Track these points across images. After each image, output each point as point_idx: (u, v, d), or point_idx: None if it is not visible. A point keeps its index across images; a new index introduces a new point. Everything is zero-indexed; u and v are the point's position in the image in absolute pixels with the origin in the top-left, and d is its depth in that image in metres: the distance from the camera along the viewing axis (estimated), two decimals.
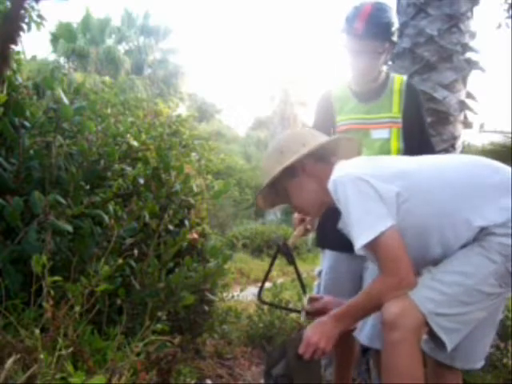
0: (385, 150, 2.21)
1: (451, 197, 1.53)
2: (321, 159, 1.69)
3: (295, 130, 1.88)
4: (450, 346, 1.51)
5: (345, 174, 1.56)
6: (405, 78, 2.29)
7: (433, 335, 1.52)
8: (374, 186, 1.51)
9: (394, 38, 2.20)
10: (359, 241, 1.49)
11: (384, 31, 2.15)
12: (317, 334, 1.58)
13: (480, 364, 1.70)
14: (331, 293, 2.13)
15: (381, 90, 2.24)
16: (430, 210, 1.54)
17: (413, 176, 1.58)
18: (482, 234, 1.49)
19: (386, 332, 1.48)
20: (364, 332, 1.92)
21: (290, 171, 1.67)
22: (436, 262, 1.56)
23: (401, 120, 2.20)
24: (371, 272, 1.94)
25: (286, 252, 1.95)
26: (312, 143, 1.68)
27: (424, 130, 2.29)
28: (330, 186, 1.58)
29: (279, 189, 1.75)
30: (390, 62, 3.00)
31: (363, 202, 1.51)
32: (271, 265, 2.03)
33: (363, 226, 1.50)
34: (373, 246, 1.48)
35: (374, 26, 2.13)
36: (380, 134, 2.23)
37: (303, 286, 1.98)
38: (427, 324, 1.49)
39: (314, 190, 1.70)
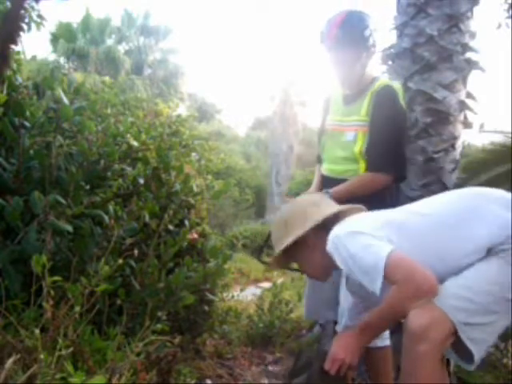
0: (352, 152, 2.28)
1: (449, 234, 1.55)
2: (323, 229, 1.72)
3: (300, 200, 1.90)
4: (477, 356, 1.49)
5: (336, 234, 1.62)
6: (386, 83, 2.29)
7: (458, 346, 1.49)
8: (366, 233, 1.56)
9: (371, 44, 2.23)
10: (377, 281, 1.49)
11: (357, 38, 2.21)
12: (342, 350, 1.59)
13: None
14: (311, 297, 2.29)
15: (362, 93, 2.28)
16: (426, 251, 1.55)
17: (402, 224, 1.61)
18: (493, 251, 1.50)
19: (414, 342, 1.45)
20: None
21: (295, 244, 1.74)
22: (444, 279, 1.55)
23: (367, 124, 2.24)
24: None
25: None
26: (314, 216, 1.72)
27: (376, 143, 2.23)
28: (329, 247, 1.64)
29: (288, 256, 1.83)
30: (389, 62, 3.00)
31: (360, 246, 1.54)
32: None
33: (371, 263, 1.50)
34: (385, 274, 1.48)
35: (345, 35, 2.20)
36: (349, 136, 2.32)
37: None
38: (455, 334, 1.46)
39: (319, 260, 1.76)
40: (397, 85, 2.36)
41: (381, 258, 1.48)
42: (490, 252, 1.50)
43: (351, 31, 2.19)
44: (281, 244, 1.76)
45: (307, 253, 1.77)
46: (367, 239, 1.54)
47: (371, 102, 2.24)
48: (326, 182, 2.45)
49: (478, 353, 1.49)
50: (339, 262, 1.63)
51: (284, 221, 1.79)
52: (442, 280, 1.52)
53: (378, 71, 2.45)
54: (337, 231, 1.64)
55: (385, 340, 2.04)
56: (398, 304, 1.49)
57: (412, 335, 1.45)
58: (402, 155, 2.36)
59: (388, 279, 1.49)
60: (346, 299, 1.97)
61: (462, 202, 1.63)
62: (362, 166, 2.30)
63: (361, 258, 1.53)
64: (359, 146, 2.25)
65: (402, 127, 2.36)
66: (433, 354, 1.44)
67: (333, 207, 1.79)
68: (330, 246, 1.64)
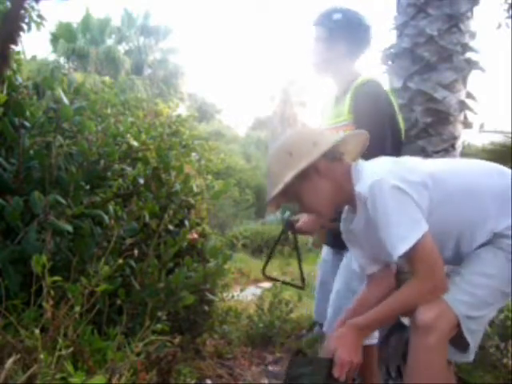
0: None
1: (473, 205, 1.56)
2: (333, 158, 1.62)
3: (301, 128, 1.85)
4: (474, 348, 1.51)
5: (381, 180, 1.50)
6: (367, 78, 2.24)
7: (454, 338, 1.51)
8: (410, 194, 1.49)
9: (362, 40, 2.28)
10: (397, 250, 1.47)
11: (324, 18, 2.28)
12: (346, 352, 1.53)
13: (472, 356, 1.68)
14: (321, 283, 2.37)
15: (346, 93, 2.25)
16: (452, 217, 1.57)
17: (440, 182, 1.57)
18: (495, 237, 1.52)
19: (422, 335, 1.46)
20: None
21: (303, 174, 1.58)
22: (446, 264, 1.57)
23: (351, 122, 2.18)
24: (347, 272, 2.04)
25: (291, 228, 2.23)
26: (323, 142, 1.59)
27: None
28: (364, 190, 1.53)
29: (289, 192, 1.63)
30: (389, 62, 3.00)
31: (400, 210, 1.48)
32: (277, 240, 2.42)
33: (401, 234, 1.47)
34: (410, 252, 1.46)
35: (319, 15, 2.31)
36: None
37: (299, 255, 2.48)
38: (458, 327, 1.48)
39: (329, 191, 1.63)
40: (379, 78, 2.32)
41: (411, 237, 1.45)
42: (495, 237, 1.52)
43: (324, 12, 2.29)
44: (284, 177, 1.57)
45: (316, 184, 1.61)
46: (409, 206, 1.48)
47: (352, 98, 2.19)
48: None
49: (475, 344, 1.52)
50: (370, 208, 1.52)
51: (287, 151, 1.60)
52: (446, 253, 1.55)
53: (371, 71, 2.42)
54: (379, 177, 1.51)
55: (373, 338, 2.05)
56: (412, 299, 1.50)
57: (419, 328, 1.47)
58: (385, 151, 2.25)
59: (409, 262, 1.50)
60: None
61: (489, 178, 1.62)
62: None
63: (395, 222, 1.47)
64: None
65: (384, 122, 2.20)
66: (440, 346, 1.46)
67: (337, 134, 1.70)
68: (368, 190, 1.51)
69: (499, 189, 1.57)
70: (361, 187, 1.55)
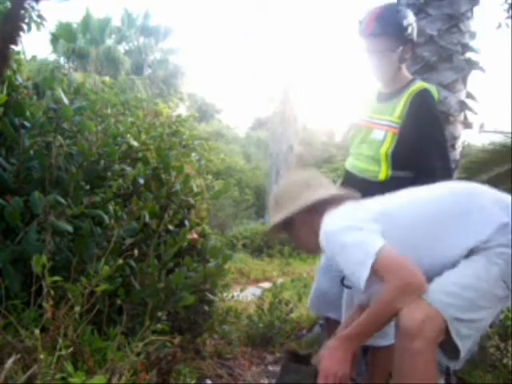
0: (378, 151, 2.23)
1: (434, 230, 1.57)
2: (313, 211, 1.76)
3: (294, 178, 1.92)
4: (463, 353, 1.49)
5: (328, 229, 1.64)
6: (424, 86, 2.24)
7: (443, 342, 1.50)
8: (356, 226, 1.58)
9: (409, 36, 2.21)
10: (361, 277, 1.50)
11: (393, 29, 2.18)
12: (333, 364, 1.54)
13: (459, 365, 1.69)
14: (320, 278, 2.33)
15: (397, 94, 2.24)
16: (414, 244, 1.58)
17: (393, 216, 1.64)
18: (475, 249, 1.52)
19: (408, 339, 1.45)
20: None
21: (285, 221, 1.80)
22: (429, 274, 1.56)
23: (399, 126, 2.20)
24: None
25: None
26: (303, 198, 1.77)
27: (429, 153, 2.16)
28: (322, 238, 1.67)
29: (281, 229, 1.89)
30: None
31: (350, 243, 1.55)
32: None
33: (358, 260, 1.52)
34: (373, 270, 1.49)
35: (381, 25, 2.18)
36: (377, 134, 2.25)
37: None
38: (446, 330, 1.47)
39: (307, 238, 1.82)
40: (433, 89, 2.29)
41: (370, 255, 1.48)
42: (472, 251, 1.52)
43: (388, 21, 2.18)
44: (272, 220, 1.86)
45: (297, 230, 1.84)
46: (358, 235, 1.55)
47: (407, 104, 2.19)
48: (348, 177, 2.41)
49: (464, 348, 1.50)
50: (330, 256, 1.67)
51: (275, 199, 1.89)
52: (426, 275, 1.53)
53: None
54: (329, 225, 1.65)
55: (390, 339, 2.03)
56: (388, 302, 1.49)
57: (406, 332, 1.45)
58: (447, 155, 2.27)
59: (376, 276, 1.50)
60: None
61: (453, 197, 1.64)
62: (384, 168, 2.23)
63: (351, 253, 1.54)
64: (386, 148, 2.19)
65: (443, 130, 2.31)
66: (426, 351, 1.44)
67: (324, 191, 1.80)
68: (321, 239, 1.66)
69: (457, 208, 1.58)
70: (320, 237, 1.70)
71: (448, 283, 1.51)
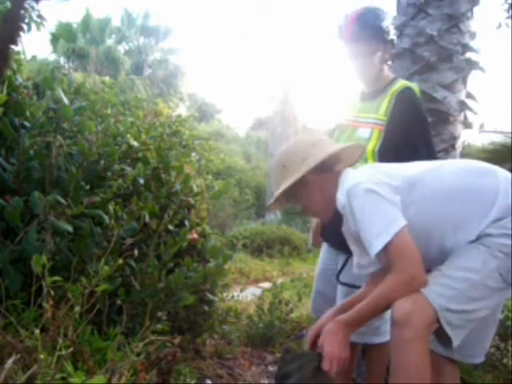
0: (365, 148, 2.25)
1: (452, 206, 1.58)
2: (323, 170, 1.72)
3: (298, 139, 1.88)
4: (456, 342, 1.52)
5: (356, 185, 1.61)
6: (407, 85, 2.26)
7: (438, 331, 1.53)
8: (382, 195, 1.56)
9: (389, 38, 2.22)
10: (374, 247, 1.53)
11: (372, 32, 2.20)
12: (335, 347, 1.58)
13: (479, 359, 1.72)
14: (319, 282, 2.35)
15: (381, 92, 2.26)
16: (430, 218, 1.59)
17: (417, 185, 1.63)
18: (480, 235, 1.53)
19: (398, 329, 1.48)
20: None
21: (295, 185, 1.72)
22: (432, 263, 1.58)
23: (384, 123, 2.21)
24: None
25: None
26: (312, 157, 1.71)
27: (416, 150, 2.17)
28: (343, 196, 1.63)
29: (287, 196, 1.80)
30: (389, 62, 3.00)
31: (375, 210, 1.55)
32: None
33: (377, 232, 1.53)
34: (387, 248, 1.51)
35: (361, 28, 2.19)
36: (363, 133, 2.27)
37: None
38: (437, 320, 1.50)
39: (320, 199, 1.76)
40: (416, 87, 2.31)
41: (389, 232, 1.50)
42: (480, 235, 1.53)
43: (367, 24, 2.19)
44: (280, 187, 1.76)
45: (307, 193, 1.76)
46: (383, 205, 1.55)
47: (391, 102, 2.20)
48: None
49: (456, 338, 1.52)
50: (348, 213, 1.63)
51: (282, 164, 1.78)
52: (431, 250, 1.57)
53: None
54: (354, 182, 1.61)
55: (385, 336, 2.04)
56: (390, 293, 1.52)
57: (397, 321, 1.49)
58: (434, 153, 2.28)
59: (386, 253, 1.52)
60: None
61: (470, 177, 1.64)
62: None
63: (370, 221, 1.55)
64: (372, 145, 2.20)
65: (428, 126, 2.33)
66: (418, 339, 1.46)
67: (331, 147, 1.77)
68: (343, 196, 1.63)
69: (481, 189, 1.58)
70: (339, 194, 1.67)
71: (442, 274, 1.54)
